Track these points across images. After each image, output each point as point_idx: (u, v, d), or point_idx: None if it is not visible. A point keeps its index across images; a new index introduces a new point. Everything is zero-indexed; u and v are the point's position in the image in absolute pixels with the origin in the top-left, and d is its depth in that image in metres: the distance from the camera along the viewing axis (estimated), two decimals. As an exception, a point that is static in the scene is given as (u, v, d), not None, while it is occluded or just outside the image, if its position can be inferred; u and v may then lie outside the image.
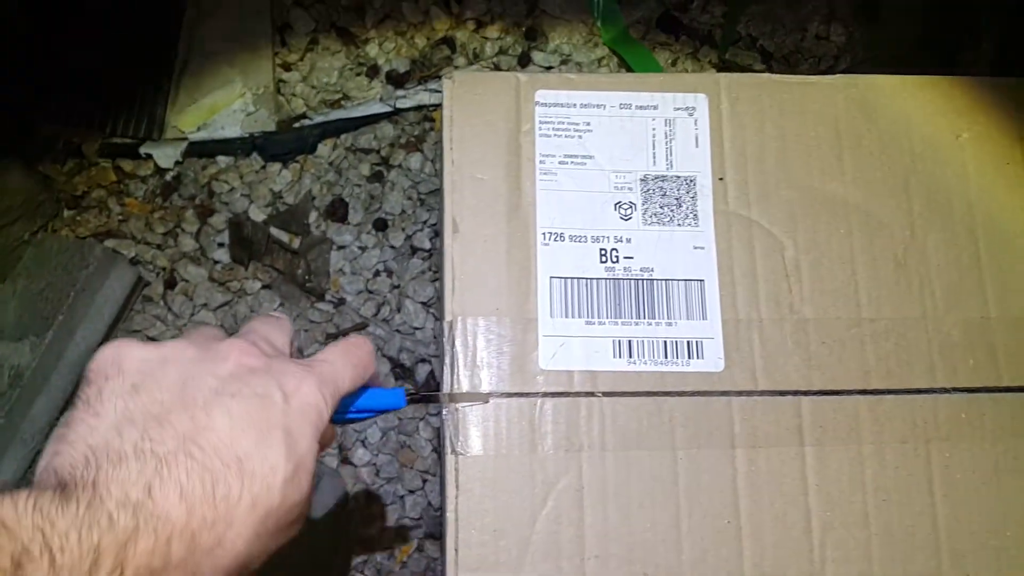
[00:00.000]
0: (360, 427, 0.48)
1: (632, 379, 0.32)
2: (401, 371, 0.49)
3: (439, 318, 0.49)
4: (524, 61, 0.54)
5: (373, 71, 0.53)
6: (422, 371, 0.49)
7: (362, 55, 0.54)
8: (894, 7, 0.54)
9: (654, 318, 0.33)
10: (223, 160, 0.52)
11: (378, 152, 0.53)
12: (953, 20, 0.51)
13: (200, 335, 0.25)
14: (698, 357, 0.33)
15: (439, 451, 0.47)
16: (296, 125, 0.53)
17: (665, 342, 0.33)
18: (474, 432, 0.32)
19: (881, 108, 0.36)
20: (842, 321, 0.34)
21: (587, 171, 0.35)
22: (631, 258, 0.34)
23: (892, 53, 0.53)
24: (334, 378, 0.25)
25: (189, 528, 0.20)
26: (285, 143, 0.52)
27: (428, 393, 0.32)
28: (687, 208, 0.35)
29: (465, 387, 0.32)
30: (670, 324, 0.33)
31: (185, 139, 0.52)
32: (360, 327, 0.49)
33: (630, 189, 0.35)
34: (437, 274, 0.50)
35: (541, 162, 0.35)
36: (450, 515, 0.31)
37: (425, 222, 0.51)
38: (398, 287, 0.50)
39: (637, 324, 0.33)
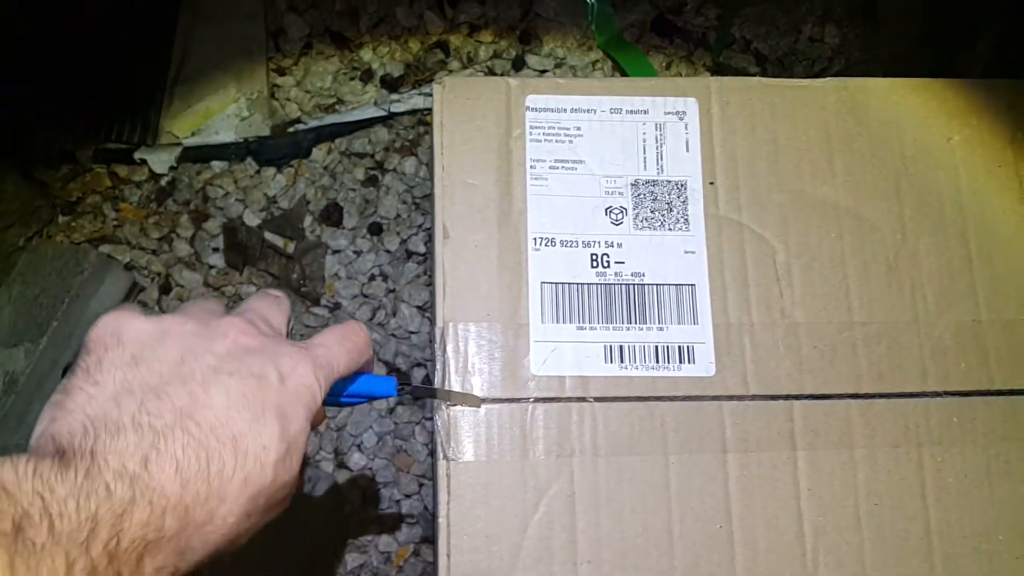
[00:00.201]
0: (356, 431, 0.48)
1: (623, 384, 0.32)
2: (396, 375, 0.49)
3: (434, 322, 0.49)
4: (518, 65, 0.54)
5: (367, 75, 0.53)
6: (418, 375, 0.49)
7: (356, 60, 0.54)
8: (891, 8, 0.54)
9: (645, 323, 0.33)
10: (217, 165, 0.53)
11: (372, 156, 0.53)
12: (950, 21, 0.51)
13: (200, 309, 0.25)
14: (689, 362, 0.33)
15: (433, 454, 0.47)
16: (290, 130, 0.53)
17: (656, 347, 0.33)
18: (466, 438, 0.32)
19: (872, 111, 0.36)
20: (833, 325, 0.34)
21: (578, 176, 0.35)
22: (622, 263, 0.34)
23: (888, 54, 0.53)
24: (329, 362, 0.25)
25: (183, 502, 0.20)
26: (279, 148, 0.52)
27: (419, 385, 0.33)
28: (678, 213, 0.35)
29: (454, 400, 0.32)
30: (661, 329, 0.33)
31: (179, 144, 0.52)
32: (355, 331, 0.49)
33: (621, 194, 0.35)
34: (432, 278, 0.50)
35: (532, 167, 0.35)
36: (442, 521, 0.31)
37: (420, 226, 0.51)
38: (393, 291, 0.50)
39: (628, 329, 0.33)
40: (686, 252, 0.34)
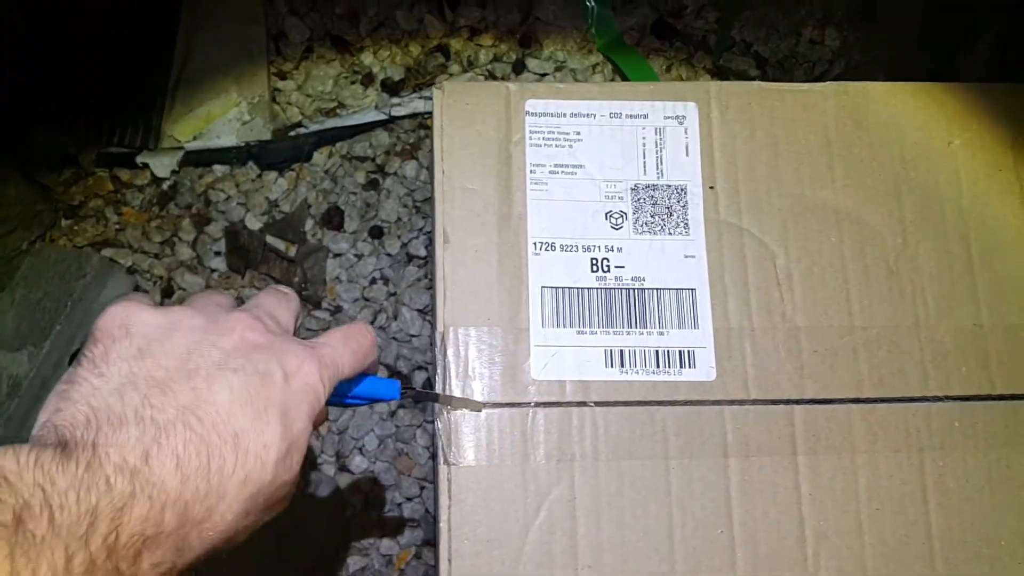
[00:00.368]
0: (357, 434, 0.48)
1: (624, 388, 0.33)
2: (398, 378, 0.49)
3: (435, 326, 0.49)
4: (518, 68, 0.54)
5: (368, 79, 0.54)
6: (419, 378, 0.49)
7: (357, 63, 0.54)
8: (891, 10, 0.53)
9: (646, 327, 0.33)
10: (219, 169, 0.53)
11: (373, 160, 0.53)
12: (950, 22, 0.51)
13: (208, 303, 0.25)
14: (690, 366, 0.33)
15: (435, 458, 0.47)
16: (292, 134, 0.53)
17: (657, 351, 0.33)
18: (467, 442, 0.32)
19: (872, 115, 0.36)
20: (834, 329, 0.34)
21: (578, 180, 0.35)
22: (622, 267, 0.34)
23: (888, 56, 0.53)
24: (334, 362, 0.25)
25: (182, 498, 0.20)
26: (281, 152, 0.52)
27: (423, 391, 0.33)
28: (678, 217, 0.35)
29: (458, 396, 0.32)
30: (662, 333, 0.33)
31: (181, 148, 0.53)
32: (356, 335, 0.49)
33: (621, 198, 0.35)
34: (432, 282, 0.50)
35: (532, 172, 0.35)
36: (443, 525, 0.31)
37: (421, 229, 0.51)
38: (394, 295, 0.50)
39: (629, 333, 0.33)
40: (686, 256, 0.34)
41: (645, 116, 0.36)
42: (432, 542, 0.47)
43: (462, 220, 0.34)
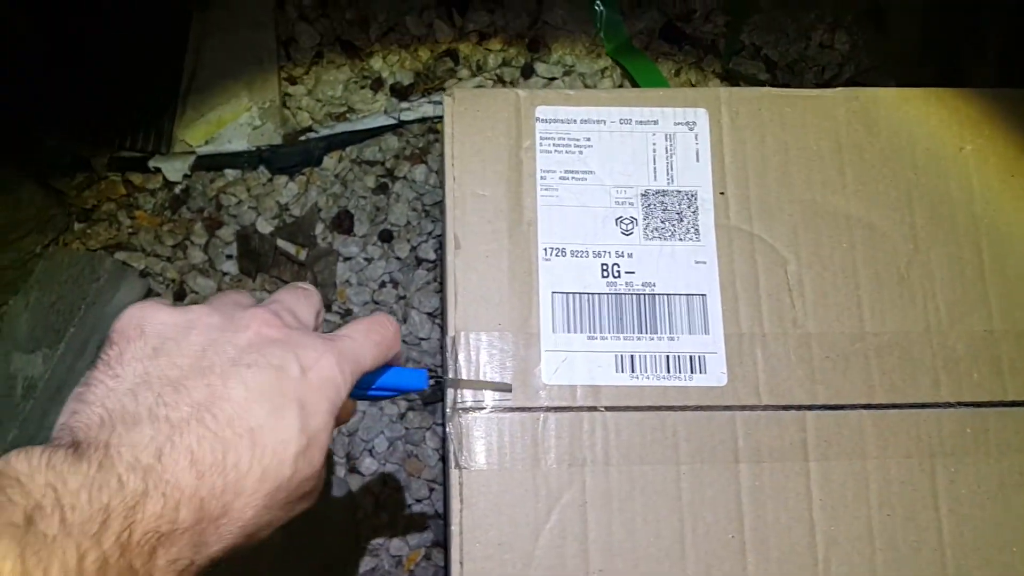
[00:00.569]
0: (367, 436, 0.48)
1: (635, 394, 0.33)
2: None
3: (443, 329, 0.49)
4: (527, 73, 0.54)
5: (377, 84, 0.54)
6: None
7: (366, 68, 0.54)
8: (900, 15, 0.53)
9: (656, 333, 0.33)
10: (231, 173, 0.53)
11: (383, 164, 0.53)
12: (958, 27, 0.51)
13: (226, 302, 0.25)
14: (701, 372, 0.33)
15: (444, 461, 0.47)
16: (302, 138, 0.53)
17: (667, 357, 0.33)
18: (478, 446, 0.32)
19: (883, 120, 0.36)
20: (845, 335, 0.34)
21: (588, 186, 0.35)
22: (632, 273, 0.34)
23: (898, 61, 0.53)
24: (355, 354, 0.25)
25: (198, 495, 0.20)
26: (291, 156, 0.53)
27: (451, 377, 0.32)
28: (688, 223, 0.35)
29: (469, 401, 0.32)
30: (672, 339, 0.33)
31: (193, 153, 0.53)
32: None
33: (631, 204, 0.35)
34: (442, 285, 0.50)
35: (542, 178, 0.35)
36: (454, 528, 0.31)
37: (430, 233, 0.51)
38: (404, 298, 0.51)
39: (639, 339, 0.33)
40: (697, 262, 0.34)
41: (655, 122, 0.36)
42: (442, 543, 0.47)
43: (473, 226, 0.34)
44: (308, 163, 0.53)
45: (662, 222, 0.35)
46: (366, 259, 0.51)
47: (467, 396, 0.32)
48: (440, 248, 0.51)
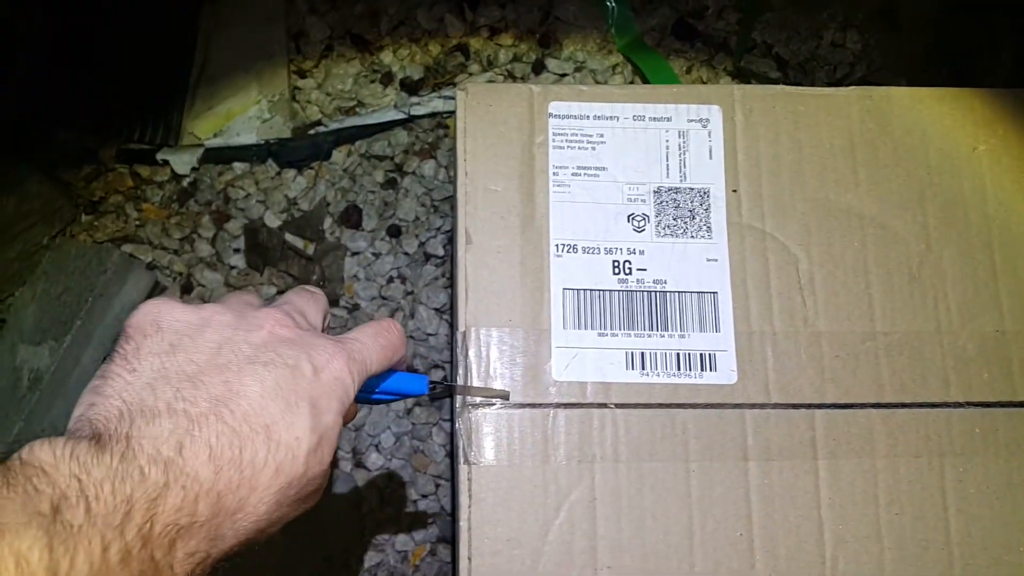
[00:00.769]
0: (374, 431, 0.48)
1: (645, 391, 0.33)
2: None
3: (452, 325, 0.49)
4: (538, 68, 0.54)
5: (387, 78, 0.54)
6: (435, 377, 0.49)
7: (376, 62, 0.54)
8: (912, 14, 0.53)
9: (667, 330, 0.33)
10: (239, 166, 0.53)
11: (392, 159, 0.53)
12: (972, 27, 0.51)
13: (238, 301, 0.25)
14: (711, 369, 0.33)
15: (452, 456, 0.47)
16: (311, 132, 0.53)
17: (678, 354, 0.33)
18: (487, 442, 0.32)
19: (896, 120, 0.36)
20: (856, 334, 0.34)
21: (600, 183, 0.35)
22: (644, 270, 0.34)
23: (910, 60, 0.53)
24: (363, 357, 0.25)
25: (215, 489, 0.20)
26: (300, 150, 0.53)
27: (450, 383, 0.33)
28: (700, 220, 0.35)
29: (478, 398, 0.32)
30: (683, 336, 0.33)
31: (201, 145, 0.53)
32: (373, 333, 0.50)
33: (643, 201, 0.35)
34: (450, 281, 0.50)
35: (554, 174, 0.35)
36: (463, 524, 0.31)
37: (439, 229, 0.51)
38: (412, 293, 0.50)
39: (650, 336, 0.33)
40: (708, 260, 0.34)
41: (669, 119, 0.36)
42: (447, 539, 0.47)
43: (485, 221, 0.34)
44: (317, 157, 0.53)
45: (674, 219, 0.35)
46: (374, 254, 0.51)
47: (476, 393, 0.32)
48: (449, 244, 0.51)
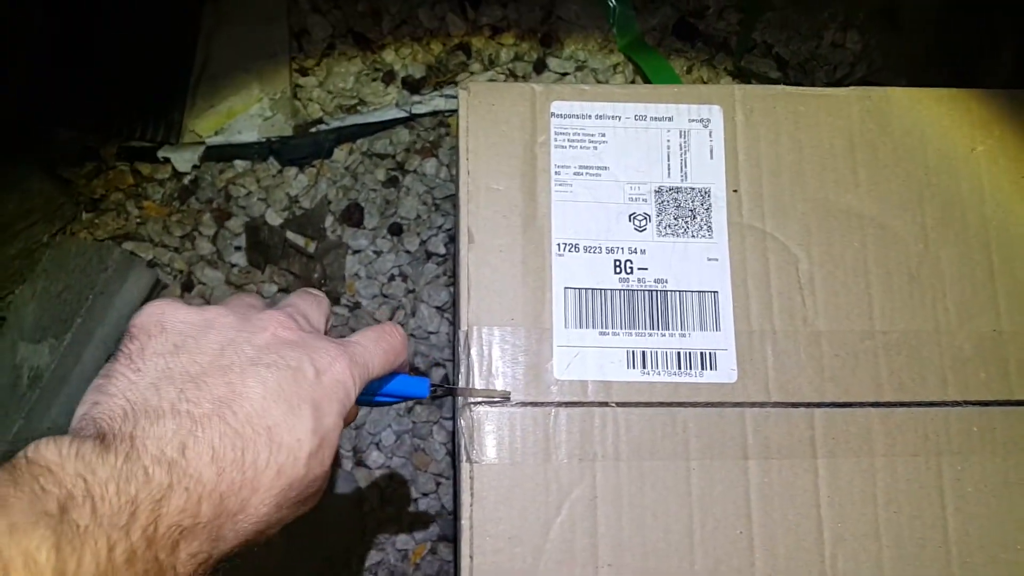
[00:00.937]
0: (374, 430, 0.49)
1: (646, 390, 0.33)
2: (416, 375, 0.49)
3: (453, 323, 0.49)
4: (539, 67, 0.54)
5: (389, 77, 0.54)
6: (436, 375, 0.49)
7: (378, 61, 0.54)
8: (913, 14, 0.53)
9: (668, 329, 0.34)
10: (240, 164, 0.53)
11: (394, 157, 0.53)
12: (972, 28, 0.51)
13: (240, 303, 0.25)
14: (711, 368, 0.33)
15: (453, 455, 0.47)
16: (312, 130, 0.53)
17: (679, 353, 0.33)
18: (489, 441, 0.32)
19: (896, 120, 0.36)
20: (855, 334, 0.34)
21: (602, 182, 0.35)
22: (645, 269, 0.34)
23: (910, 60, 0.53)
24: (365, 361, 0.26)
25: (218, 490, 0.20)
26: (302, 148, 0.53)
27: (451, 387, 0.33)
28: (701, 220, 0.35)
29: (480, 396, 0.33)
30: (684, 335, 0.34)
31: (203, 143, 0.53)
32: (374, 331, 0.50)
33: (644, 200, 0.35)
34: (451, 279, 0.50)
35: (556, 173, 0.35)
36: (465, 522, 0.31)
37: (440, 227, 0.51)
38: (413, 291, 0.51)
39: (651, 335, 0.33)
40: (709, 259, 0.34)
41: (670, 119, 0.36)
42: (448, 537, 0.47)
43: (487, 220, 0.34)
44: (318, 155, 0.53)
45: (675, 219, 0.35)
46: (375, 252, 0.51)
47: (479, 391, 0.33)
48: (450, 242, 0.51)
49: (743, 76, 0.54)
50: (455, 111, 0.51)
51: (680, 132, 0.36)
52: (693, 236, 0.35)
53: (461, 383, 0.33)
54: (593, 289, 0.34)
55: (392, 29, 0.54)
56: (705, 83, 0.54)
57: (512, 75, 0.54)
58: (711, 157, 0.36)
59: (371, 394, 0.28)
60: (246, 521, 0.21)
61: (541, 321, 0.33)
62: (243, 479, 0.21)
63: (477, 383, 0.33)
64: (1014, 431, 0.33)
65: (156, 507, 0.19)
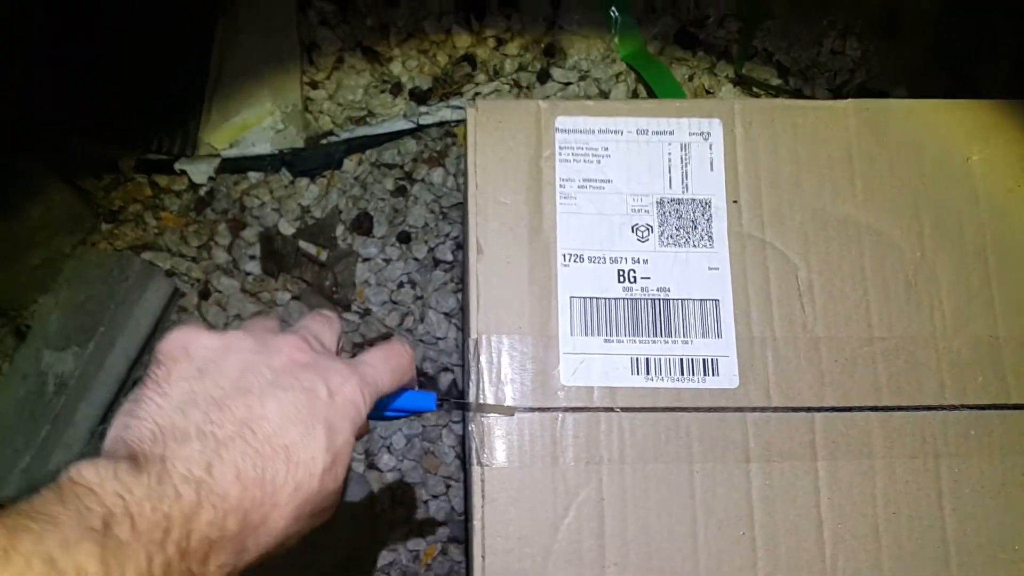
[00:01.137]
0: (385, 434, 0.50)
1: (649, 395, 0.34)
2: (424, 380, 0.51)
3: (461, 329, 0.50)
4: (543, 78, 0.55)
5: (397, 88, 0.55)
6: (445, 380, 0.50)
7: (386, 73, 0.56)
8: (911, 22, 0.54)
9: (671, 336, 0.35)
10: (254, 176, 0.54)
11: (402, 167, 0.54)
12: (971, 36, 0.52)
13: (258, 327, 0.27)
14: (713, 374, 0.34)
15: (462, 458, 0.49)
16: (323, 142, 0.55)
17: (681, 359, 0.34)
18: (499, 445, 0.33)
19: (892, 131, 0.37)
20: (854, 340, 0.35)
21: (605, 195, 0.36)
22: (648, 278, 0.35)
23: (909, 68, 0.53)
24: (375, 380, 0.27)
25: (242, 506, 0.21)
26: (313, 159, 0.54)
27: (458, 400, 0.34)
28: (702, 230, 0.36)
29: (490, 401, 0.34)
30: (686, 342, 0.35)
31: (218, 156, 0.54)
32: (384, 337, 0.51)
33: (647, 212, 0.36)
34: (459, 286, 0.52)
35: (561, 186, 0.36)
36: (476, 523, 0.32)
37: (447, 235, 0.53)
38: (421, 298, 0.52)
39: (654, 342, 0.35)
40: (710, 268, 0.35)
41: (671, 132, 0.37)
42: (458, 539, 0.48)
43: (495, 232, 0.35)
44: (329, 166, 0.54)
45: (677, 229, 0.36)
46: (385, 260, 0.53)
47: (488, 397, 0.34)
48: (457, 249, 0.52)
49: (744, 84, 0.54)
50: (461, 121, 0.53)
51: (681, 145, 0.37)
52: (694, 246, 0.36)
53: (471, 389, 0.34)
54: (598, 298, 0.35)
55: (399, 42, 0.56)
56: (707, 91, 0.54)
57: (516, 85, 0.55)
58: (711, 169, 0.37)
59: (381, 410, 0.29)
60: (267, 534, 0.22)
61: (548, 329, 0.34)
62: (264, 495, 0.22)
63: (487, 389, 0.34)
64: (1011, 434, 0.34)
65: (187, 522, 0.20)
